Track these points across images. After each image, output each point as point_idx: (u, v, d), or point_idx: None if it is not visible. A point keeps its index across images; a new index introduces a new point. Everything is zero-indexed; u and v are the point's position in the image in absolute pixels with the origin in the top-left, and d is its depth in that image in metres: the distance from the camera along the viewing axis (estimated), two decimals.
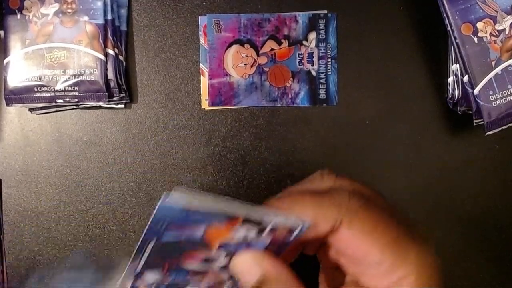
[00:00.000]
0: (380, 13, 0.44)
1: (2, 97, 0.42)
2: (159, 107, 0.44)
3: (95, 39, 0.41)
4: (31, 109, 0.43)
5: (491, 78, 0.39)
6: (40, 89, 0.41)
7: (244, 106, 0.44)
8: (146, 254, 0.25)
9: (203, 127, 0.44)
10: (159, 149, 0.44)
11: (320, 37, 0.44)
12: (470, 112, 0.41)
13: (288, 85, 0.44)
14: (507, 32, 0.39)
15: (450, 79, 0.43)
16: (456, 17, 0.40)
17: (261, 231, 0.25)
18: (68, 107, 0.43)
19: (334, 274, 0.29)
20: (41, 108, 0.43)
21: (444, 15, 0.40)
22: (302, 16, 0.43)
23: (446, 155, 0.44)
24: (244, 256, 0.27)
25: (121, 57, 0.42)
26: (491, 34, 0.39)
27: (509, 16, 0.39)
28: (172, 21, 0.44)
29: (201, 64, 0.44)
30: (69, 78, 0.41)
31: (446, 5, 0.40)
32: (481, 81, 0.39)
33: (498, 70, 0.39)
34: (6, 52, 0.41)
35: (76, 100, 0.41)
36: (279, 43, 0.44)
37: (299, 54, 0.44)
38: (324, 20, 0.44)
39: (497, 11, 0.39)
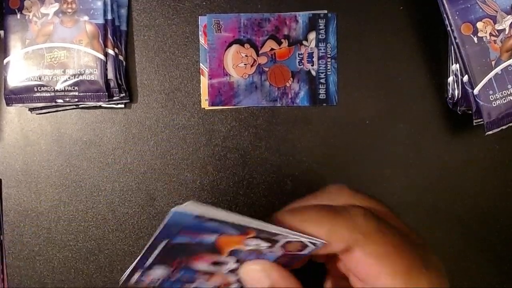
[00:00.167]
0: (380, 13, 0.44)
1: (2, 97, 0.42)
2: (159, 107, 0.44)
3: (95, 39, 0.41)
4: (31, 109, 0.43)
5: (491, 78, 0.39)
6: (40, 89, 0.41)
7: (244, 106, 0.44)
8: (156, 252, 0.25)
9: (203, 127, 0.44)
10: (159, 149, 0.44)
11: (320, 37, 0.44)
12: (470, 112, 0.41)
13: (288, 85, 0.44)
14: (507, 32, 0.39)
15: (450, 79, 0.43)
16: (456, 17, 0.40)
17: (273, 244, 0.25)
18: (68, 107, 0.43)
19: (340, 283, 0.29)
20: (41, 108, 0.43)
21: (444, 15, 0.40)
22: (302, 16, 0.43)
23: (446, 155, 0.44)
24: (254, 265, 0.27)
25: (121, 57, 0.42)
26: (491, 34, 0.39)
27: (509, 16, 0.39)
28: (172, 21, 0.44)
29: (201, 64, 0.44)
30: (69, 78, 0.41)
31: (446, 5, 0.40)
32: (481, 81, 0.39)
33: (498, 70, 0.39)
34: (6, 52, 0.41)
35: (76, 100, 0.41)
36: (279, 43, 0.44)
37: (299, 54, 0.44)
38: (324, 20, 0.44)
39: (497, 11, 0.39)
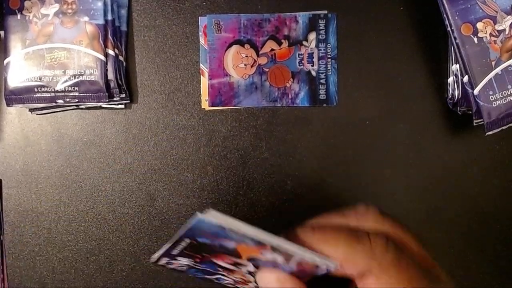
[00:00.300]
0: (380, 13, 0.44)
1: (2, 98, 0.42)
2: (159, 108, 0.44)
3: (95, 39, 0.41)
4: (31, 110, 0.43)
5: (491, 78, 0.39)
6: (41, 89, 0.41)
7: (244, 106, 0.44)
8: (180, 247, 0.26)
9: (203, 127, 0.44)
10: (159, 149, 0.44)
11: (320, 37, 0.44)
12: (470, 112, 0.41)
13: (288, 85, 0.44)
14: (507, 32, 0.39)
15: (450, 79, 0.43)
16: (456, 17, 0.40)
17: (288, 259, 0.26)
18: (68, 108, 0.43)
19: None
20: (41, 109, 0.43)
21: (444, 15, 0.40)
22: (302, 16, 0.43)
23: (446, 155, 0.44)
24: (270, 274, 0.27)
25: (121, 58, 0.43)
26: (491, 34, 0.39)
27: (509, 16, 0.39)
28: (172, 22, 0.44)
29: (201, 64, 0.44)
30: (69, 78, 0.41)
31: (446, 5, 0.40)
32: (481, 81, 0.39)
33: (498, 70, 0.39)
34: (6, 53, 0.41)
35: (76, 100, 0.41)
36: (279, 43, 0.44)
37: (299, 54, 0.44)
38: (324, 20, 0.44)
39: (497, 11, 0.39)
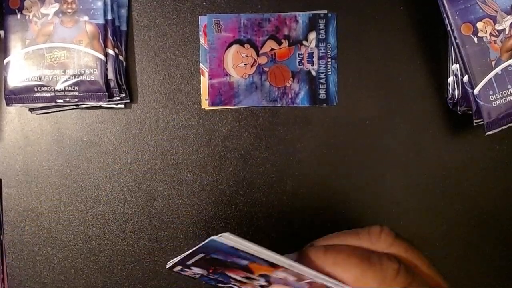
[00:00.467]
0: (380, 13, 0.44)
1: (2, 97, 0.42)
2: (159, 107, 0.44)
3: (95, 39, 0.41)
4: (31, 109, 0.43)
5: (491, 78, 0.39)
6: (40, 89, 0.41)
7: (244, 106, 0.44)
8: (194, 260, 0.27)
9: (203, 127, 0.44)
10: (159, 149, 0.44)
11: (320, 37, 0.44)
12: (470, 112, 0.41)
13: (288, 85, 0.44)
14: (507, 32, 0.39)
15: (450, 79, 0.43)
16: (456, 17, 0.40)
17: (300, 279, 0.26)
18: (68, 107, 0.43)
19: None
20: (41, 108, 0.43)
21: (444, 15, 0.40)
22: (302, 16, 0.43)
23: (446, 155, 0.44)
24: None
25: (121, 57, 0.43)
26: (491, 34, 0.39)
27: (509, 16, 0.39)
28: (172, 21, 0.44)
29: (201, 64, 0.44)
30: (69, 78, 0.41)
31: (446, 5, 0.40)
32: (481, 81, 0.39)
33: (498, 70, 0.39)
34: (6, 52, 0.41)
35: (76, 100, 0.41)
36: (279, 43, 0.44)
37: (299, 54, 0.44)
38: (324, 20, 0.44)
39: (497, 11, 0.39)
